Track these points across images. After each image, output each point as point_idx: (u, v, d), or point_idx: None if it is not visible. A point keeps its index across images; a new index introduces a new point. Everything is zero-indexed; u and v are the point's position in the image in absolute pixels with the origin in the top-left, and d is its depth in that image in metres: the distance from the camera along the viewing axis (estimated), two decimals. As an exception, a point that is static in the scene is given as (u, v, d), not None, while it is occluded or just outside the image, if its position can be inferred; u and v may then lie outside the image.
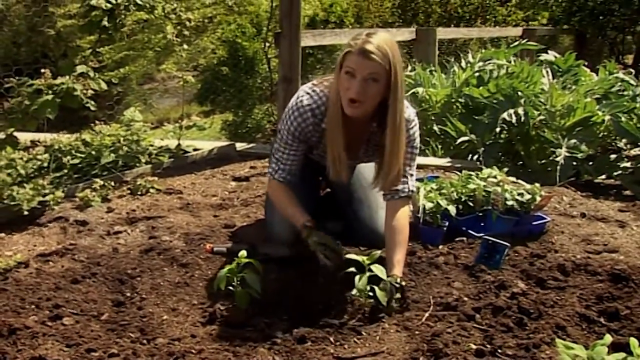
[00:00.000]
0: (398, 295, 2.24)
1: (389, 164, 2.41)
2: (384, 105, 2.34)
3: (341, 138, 2.39)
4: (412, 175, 2.57)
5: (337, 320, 2.15)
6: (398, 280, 2.26)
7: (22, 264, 2.60)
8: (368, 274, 2.19)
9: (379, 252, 2.31)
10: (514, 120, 4.14)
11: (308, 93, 2.49)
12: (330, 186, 2.95)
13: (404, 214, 2.52)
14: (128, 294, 2.37)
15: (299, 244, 2.60)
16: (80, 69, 3.59)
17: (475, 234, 2.79)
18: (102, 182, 3.50)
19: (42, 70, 3.57)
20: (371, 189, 2.66)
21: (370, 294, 2.19)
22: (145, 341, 2.04)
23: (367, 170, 2.87)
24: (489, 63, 4.94)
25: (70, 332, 2.05)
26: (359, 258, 2.23)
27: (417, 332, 2.08)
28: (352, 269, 2.24)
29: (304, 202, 2.63)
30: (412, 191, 2.59)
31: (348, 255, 2.29)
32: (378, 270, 2.16)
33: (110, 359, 1.91)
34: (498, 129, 4.21)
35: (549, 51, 5.66)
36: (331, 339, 2.04)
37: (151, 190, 3.58)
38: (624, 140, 4.24)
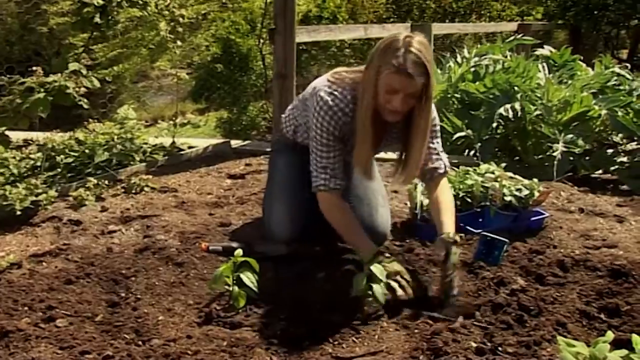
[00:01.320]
0: (456, 250, 2.27)
1: (414, 159, 2.40)
2: None
3: (371, 139, 2.38)
4: (441, 151, 2.60)
5: (335, 319, 2.12)
6: (451, 235, 2.31)
7: (14, 265, 2.56)
8: (367, 272, 2.16)
9: (376, 249, 2.29)
10: (510, 115, 4.12)
11: (331, 94, 2.43)
12: None
13: (446, 187, 2.57)
14: (123, 295, 2.33)
15: (296, 242, 2.57)
16: (73, 66, 3.54)
17: (474, 230, 2.76)
18: (95, 181, 3.46)
19: (34, 68, 3.52)
20: (365, 179, 2.67)
21: (369, 292, 2.16)
22: (140, 342, 2.01)
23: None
24: (485, 58, 4.92)
25: (63, 334, 2.02)
26: (358, 257, 2.20)
27: (416, 331, 2.06)
28: (351, 267, 2.21)
29: (306, 202, 2.61)
30: (447, 166, 2.60)
31: (347, 256, 2.26)
32: (377, 270, 2.13)
33: (105, 361, 1.88)
34: (494, 124, 4.19)
35: (545, 46, 5.65)
36: (329, 338, 2.02)
37: (145, 189, 3.55)
38: (620, 135, 4.23)
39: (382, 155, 3.05)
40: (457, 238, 2.32)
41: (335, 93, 2.43)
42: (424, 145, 2.40)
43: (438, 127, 2.61)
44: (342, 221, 2.48)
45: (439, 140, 2.61)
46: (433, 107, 2.48)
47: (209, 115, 8.92)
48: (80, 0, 3.73)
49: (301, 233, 2.62)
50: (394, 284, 2.22)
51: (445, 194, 2.54)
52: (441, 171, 2.56)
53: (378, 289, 2.12)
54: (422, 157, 2.42)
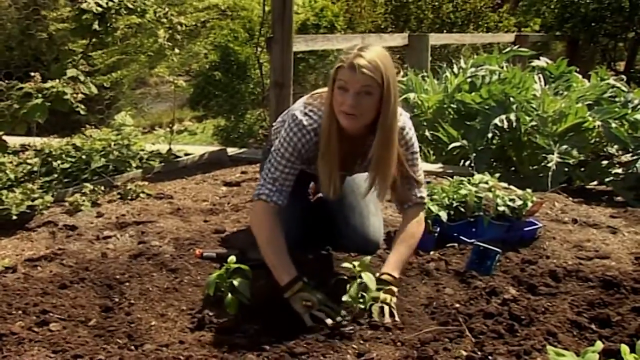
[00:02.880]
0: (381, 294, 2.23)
1: (382, 174, 2.37)
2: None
3: (336, 155, 2.36)
4: (419, 181, 2.52)
5: (326, 326, 2.13)
6: (383, 276, 2.30)
7: (9, 269, 2.58)
8: (359, 281, 2.17)
9: (369, 258, 2.30)
10: (505, 126, 4.15)
11: (307, 114, 2.43)
12: (321, 192, 2.93)
13: (413, 221, 2.50)
14: (116, 300, 2.34)
15: (289, 249, 2.58)
16: (71, 72, 3.57)
17: (467, 240, 2.78)
18: (92, 187, 3.48)
19: (32, 74, 3.54)
20: (362, 198, 2.63)
21: (361, 300, 2.17)
22: (133, 347, 2.02)
23: (359, 177, 2.86)
24: (481, 69, 4.95)
25: (57, 338, 2.03)
26: (350, 265, 2.21)
27: (407, 339, 2.06)
28: (343, 276, 2.22)
29: (295, 210, 2.62)
30: (422, 197, 2.54)
31: (339, 263, 2.27)
32: (368, 278, 2.14)
33: (97, 366, 1.89)
34: (490, 135, 4.21)
35: (541, 57, 5.68)
36: (321, 345, 2.02)
37: (141, 195, 3.56)
38: (615, 147, 4.25)
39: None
40: (384, 277, 2.31)
41: (310, 114, 2.42)
42: (391, 160, 2.35)
43: (417, 156, 2.54)
44: (269, 238, 2.37)
45: (418, 168, 2.54)
46: (412, 132, 2.48)
47: (206, 122, 8.95)
48: (79, 7, 3.75)
49: (293, 240, 2.62)
50: (320, 315, 2.20)
51: (410, 228, 2.49)
52: (413, 202, 2.52)
53: (369, 297, 2.14)
54: (391, 172, 2.38)
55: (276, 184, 2.41)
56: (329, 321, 2.16)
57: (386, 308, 2.22)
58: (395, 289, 2.31)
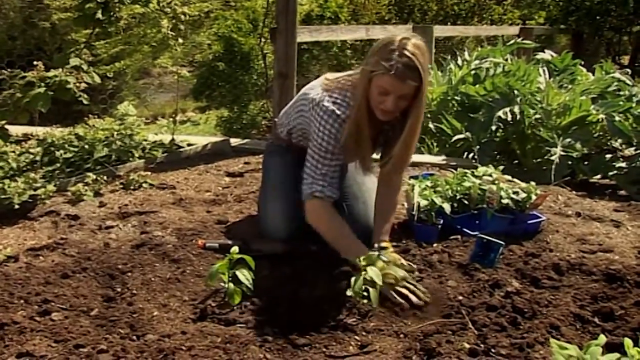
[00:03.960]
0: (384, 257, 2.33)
1: (402, 156, 2.51)
2: None
3: (369, 140, 2.45)
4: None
5: (330, 318, 2.13)
6: (376, 247, 2.43)
7: (11, 258, 2.57)
8: (364, 274, 2.16)
9: (375, 254, 2.29)
10: (509, 119, 4.13)
11: (336, 103, 2.46)
12: None
13: (398, 189, 2.69)
14: (118, 290, 2.34)
15: (292, 240, 2.58)
16: (73, 62, 3.55)
17: (470, 232, 2.77)
18: (94, 177, 3.47)
19: (35, 63, 3.53)
20: (359, 177, 2.75)
21: (365, 294, 2.17)
22: (135, 337, 2.02)
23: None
24: (486, 61, 4.93)
25: (59, 327, 2.03)
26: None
27: (410, 331, 2.06)
28: (347, 268, 2.22)
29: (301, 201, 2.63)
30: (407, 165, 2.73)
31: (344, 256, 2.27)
32: (373, 273, 2.14)
33: (99, 355, 1.88)
34: (494, 127, 4.20)
35: (546, 50, 5.66)
36: (323, 337, 2.02)
37: (144, 185, 3.55)
38: (619, 140, 4.24)
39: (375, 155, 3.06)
40: (384, 244, 2.45)
41: (339, 102, 2.46)
42: (413, 142, 2.49)
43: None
44: (335, 228, 2.46)
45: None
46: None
47: (209, 113, 8.93)
48: (83, -5, 3.74)
49: (296, 231, 2.63)
50: (405, 291, 2.22)
51: (395, 200, 2.66)
52: (402, 168, 2.67)
53: (374, 292, 2.13)
54: (411, 154, 2.53)
55: (326, 179, 2.46)
56: (414, 299, 2.20)
57: (411, 288, 2.25)
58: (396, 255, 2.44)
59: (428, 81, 2.37)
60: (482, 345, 1.92)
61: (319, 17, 8.12)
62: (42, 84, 3.39)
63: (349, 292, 2.17)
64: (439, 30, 7.78)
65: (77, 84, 3.49)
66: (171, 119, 4.57)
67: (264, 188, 2.89)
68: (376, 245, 2.48)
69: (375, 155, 2.74)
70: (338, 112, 2.43)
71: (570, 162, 3.91)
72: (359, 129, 2.40)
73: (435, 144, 4.61)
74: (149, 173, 3.68)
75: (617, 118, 4.01)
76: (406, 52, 2.23)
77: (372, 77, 2.29)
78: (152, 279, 2.41)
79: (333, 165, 2.47)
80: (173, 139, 4.32)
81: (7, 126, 3.48)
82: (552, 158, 3.87)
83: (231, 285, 2.22)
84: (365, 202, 2.75)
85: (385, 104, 2.30)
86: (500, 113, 4.11)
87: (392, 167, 2.59)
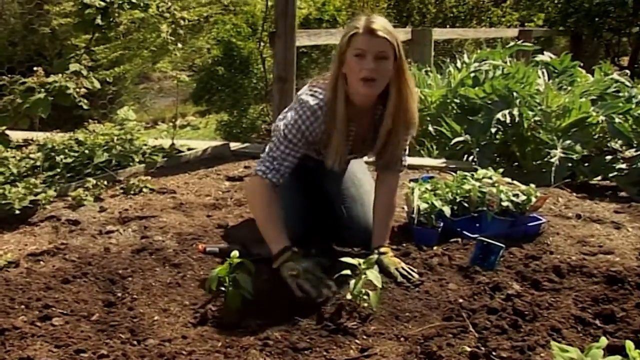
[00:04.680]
0: (385, 258, 2.47)
1: (389, 142, 2.51)
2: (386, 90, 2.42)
3: (344, 128, 2.43)
4: (405, 150, 2.69)
5: (330, 322, 2.13)
6: (375, 252, 2.46)
7: (12, 264, 2.58)
8: (363, 277, 2.16)
9: (375, 257, 2.29)
10: (508, 121, 4.13)
11: (312, 95, 2.48)
12: (322, 185, 2.92)
13: (394, 190, 2.68)
14: (119, 294, 2.34)
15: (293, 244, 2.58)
16: (73, 67, 3.56)
17: (470, 235, 2.77)
18: (94, 182, 3.47)
19: (35, 69, 3.53)
20: (357, 180, 2.76)
21: (365, 297, 2.17)
22: (135, 342, 2.02)
23: (359, 167, 2.89)
24: (485, 63, 4.94)
25: (59, 332, 2.03)
26: (355, 262, 2.20)
27: (410, 334, 2.06)
28: (347, 272, 2.22)
29: (297, 204, 2.68)
30: (405, 166, 2.71)
31: (343, 259, 2.27)
32: (373, 276, 2.14)
33: (100, 360, 1.89)
34: (493, 130, 4.20)
35: (545, 52, 5.66)
36: (324, 340, 2.02)
37: (144, 190, 3.55)
38: (619, 142, 4.24)
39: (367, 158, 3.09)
40: (383, 250, 2.51)
41: (315, 94, 2.48)
42: (400, 127, 2.48)
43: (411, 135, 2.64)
44: (264, 212, 2.47)
45: (408, 140, 2.67)
46: (415, 108, 2.53)
47: (209, 117, 8.95)
48: (82, 1, 3.74)
49: (297, 235, 2.63)
50: (404, 272, 2.41)
51: (393, 202, 2.67)
52: (396, 169, 2.67)
53: (374, 295, 2.14)
54: (399, 142, 2.53)
55: (274, 163, 2.49)
56: (311, 291, 2.24)
57: (403, 271, 2.41)
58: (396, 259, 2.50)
59: (404, 57, 2.40)
60: (482, 349, 1.92)
61: (317, 20, 8.15)
62: (42, 90, 3.40)
63: (349, 296, 2.18)
64: (438, 33, 7.79)
65: (77, 90, 3.49)
66: (171, 124, 4.56)
67: None
68: (375, 250, 2.50)
69: (367, 158, 2.76)
70: (311, 102, 2.45)
71: (570, 164, 3.91)
72: (334, 113, 2.40)
73: (434, 147, 4.62)
74: (149, 178, 3.68)
75: (616, 119, 4.01)
76: (373, 17, 2.33)
77: (344, 52, 2.34)
78: (153, 283, 2.41)
79: (286, 153, 2.48)
80: (173, 144, 4.32)
81: (7, 132, 3.48)
82: (552, 160, 3.87)
83: (231, 289, 2.22)
84: (363, 204, 2.75)
85: (366, 67, 2.29)
86: (499, 115, 4.11)
87: (385, 165, 2.62)
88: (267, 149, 2.53)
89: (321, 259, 2.50)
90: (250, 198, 2.58)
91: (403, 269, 2.44)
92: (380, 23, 2.31)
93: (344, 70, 2.37)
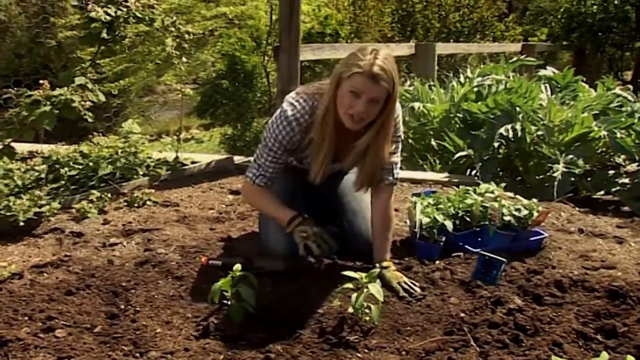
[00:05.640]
0: (387, 273, 2.50)
1: (372, 164, 2.54)
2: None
3: (332, 145, 2.49)
4: (397, 163, 2.70)
5: (332, 335, 2.13)
6: (377, 266, 2.48)
7: (16, 275, 2.59)
8: (365, 291, 2.17)
9: (377, 270, 2.30)
10: (510, 135, 4.14)
11: (292, 104, 2.54)
12: (322, 198, 2.94)
13: (390, 204, 2.70)
14: (122, 307, 2.35)
15: (293, 257, 2.59)
16: (79, 80, 3.59)
17: (472, 250, 2.77)
18: (99, 194, 3.49)
19: (41, 82, 3.57)
20: (359, 193, 2.77)
21: (367, 311, 2.17)
22: (138, 354, 2.02)
23: None
24: (488, 78, 4.95)
25: (62, 344, 2.03)
26: (357, 275, 2.21)
27: (412, 348, 2.06)
28: (349, 285, 2.23)
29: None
30: (397, 179, 2.71)
31: (345, 272, 2.28)
32: (374, 289, 2.15)
33: (103, 373, 1.89)
34: (496, 144, 4.21)
35: (548, 67, 5.68)
36: (325, 354, 2.03)
37: (148, 203, 3.57)
38: (622, 156, 4.24)
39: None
40: (385, 264, 2.54)
41: (295, 104, 2.53)
42: (378, 158, 2.51)
43: (400, 140, 2.70)
44: (261, 200, 2.68)
45: (399, 152, 2.71)
46: (400, 118, 2.62)
47: (213, 130, 8.97)
48: (88, 15, 3.78)
49: (296, 248, 2.64)
50: (406, 287, 2.44)
51: (389, 214, 2.69)
52: (388, 182, 2.67)
53: (375, 309, 2.14)
54: (382, 162, 2.54)
55: (260, 170, 2.62)
56: (314, 249, 2.47)
57: (405, 285, 2.44)
58: (398, 273, 2.53)
59: (398, 94, 2.44)
60: (484, 363, 1.93)
61: (320, 34, 8.19)
62: (48, 103, 3.43)
63: (350, 309, 2.18)
64: (442, 48, 7.83)
65: (83, 103, 3.52)
66: (175, 137, 4.59)
67: None
68: (377, 264, 2.51)
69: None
70: (289, 112, 2.51)
71: (572, 179, 3.91)
72: (323, 132, 2.45)
73: (437, 161, 4.63)
74: (153, 191, 3.70)
75: (619, 134, 4.02)
76: (379, 56, 2.31)
77: (342, 80, 2.34)
78: (156, 296, 2.42)
79: (269, 161, 2.59)
80: (177, 157, 4.34)
81: (13, 144, 3.51)
82: (555, 175, 3.88)
83: (234, 302, 2.23)
84: (364, 217, 2.77)
85: (356, 108, 2.32)
86: (502, 130, 4.12)
87: (366, 178, 2.62)
88: (254, 156, 2.65)
89: (332, 226, 2.68)
90: (248, 199, 2.80)
91: (405, 283, 2.46)
92: (384, 66, 2.29)
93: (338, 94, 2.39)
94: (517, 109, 4.31)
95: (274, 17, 6.46)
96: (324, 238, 2.52)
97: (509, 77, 5.04)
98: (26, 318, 2.21)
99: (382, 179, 2.64)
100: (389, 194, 2.69)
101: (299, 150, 2.62)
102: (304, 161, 2.67)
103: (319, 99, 2.49)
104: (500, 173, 4.29)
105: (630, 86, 5.59)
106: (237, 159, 4.73)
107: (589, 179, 4.07)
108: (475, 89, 4.87)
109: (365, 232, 2.72)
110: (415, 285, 2.46)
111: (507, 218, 2.83)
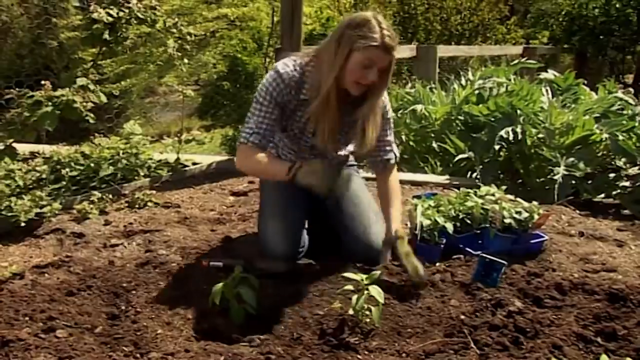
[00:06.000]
0: (401, 242, 2.56)
1: (367, 135, 2.61)
2: None
3: (335, 113, 2.55)
4: (394, 142, 2.85)
5: (332, 337, 2.13)
6: (394, 233, 2.60)
7: (17, 275, 2.59)
8: (366, 293, 2.17)
9: (378, 272, 2.30)
10: (511, 138, 4.14)
11: (284, 63, 2.61)
12: (321, 205, 2.94)
13: (394, 178, 2.83)
14: (123, 307, 2.35)
15: (293, 259, 2.60)
16: (80, 81, 3.60)
17: (473, 252, 2.78)
18: (100, 195, 3.50)
19: (43, 82, 3.57)
20: (355, 197, 2.82)
21: (367, 313, 2.18)
22: (138, 355, 2.02)
23: (357, 186, 2.90)
24: (489, 81, 4.95)
25: (63, 345, 2.04)
26: (357, 277, 2.22)
27: (412, 350, 2.06)
28: (350, 287, 2.23)
29: (299, 220, 2.73)
30: (397, 156, 2.86)
31: (345, 274, 2.28)
32: (375, 291, 2.15)
33: (103, 373, 1.90)
34: (497, 147, 4.21)
35: (549, 70, 5.68)
36: (326, 355, 2.03)
37: (149, 204, 3.57)
38: (623, 159, 4.24)
39: (370, 174, 3.13)
40: (400, 233, 2.61)
41: (288, 62, 2.62)
42: (377, 121, 2.62)
43: (391, 119, 2.82)
44: (256, 160, 2.60)
45: (392, 132, 2.84)
46: (387, 97, 2.73)
47: (214, 132, 8.97)
48: (90, 16, 3.79)
49: (295, 250, 2.65)
50: (414, 265, 2.48)
51: (393, 183, 2.81)
52: (392, 162, 2.83)
53: (376, 310, 2.14)
54: (376, 131, 2.63)
55: (254, 128, 2.61)
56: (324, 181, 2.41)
57: (412, 264, 2.48)
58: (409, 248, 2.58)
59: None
60: (484, 365, 1.93)
61: (322, 35, 8.19)
62: (50, 103, 3.43)
63: (351, 311, 2.18)
64: (443, 50, 7.83)
65: (84, 104, 3.52)
66: (176, 138, 4.60)
67: (263, 208, 2.91)
68: (393, 234, 2.63)
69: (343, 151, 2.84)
70: (280, 68, 2.58)
71: (573, 182, 3.92)
72: (327, 101, 2.51)
73: (438, 164, 4.63)
74: (154, 192, 3.71)
75: (620, 137, 4.03)
76: (384, 26, 2.43)
77: (354, 51, 2.41)
78: (156, 297, 2.42)
79: (262, 116, 2.59)
80: (178, 158, 4.35)
81: (14, 144, 3.52)
82: (556, 177, 3.88)
83: (235, 303, 2.23)
84: (362, 222, 2.76)
85: (370, 77, 2.43)
86: (502, 132, 4.12)
87: (374, 159, 2.80)
88: (247, 117, 2.66)
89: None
90: (243, 163, 2.69)
91: (413, 262, 2.49)
92: (391, 35, 2.43)
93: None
94: (518, 111, 4.32)
95: (275, 19, 6.47)
96: (328, 171, 2.46)
97: (510, 79, 5.04)
98: (27, 318, 2.21)
99: (385, 160, 2.80)
100: (392, 171, 2.83)
101: (291, 111, 2.65)
102: (305, 132, 2.71)
103: (310, 64, 2.59)
104: (501, 175, 4.29)
105: (632, 89, 5.59)
106: (238, 160, 4.73)
107: (589, 181, 4.07)
108: (477, 92, 4.87)
109: (364, 236, 2.72)
110: (420, 267, 2.48)
111: (507, 221, 2.83)
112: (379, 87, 2.55)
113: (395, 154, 2.84)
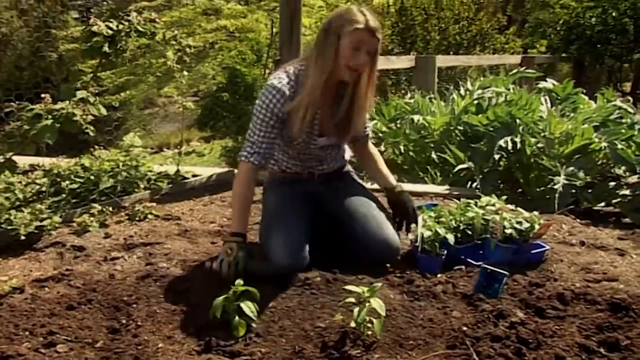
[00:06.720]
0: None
1: (359, 117, 2.81)
2: None
3: (330, 102, 2.76)
4: (367, 119, 3.04)
5: (334, 350, 2.12)
6: (397, 188, 2.96)
7: (17, 290, 2.58)
8: (367, 305, 2.17)
9: (379, 285, 2.30)
10: (510, 148, 4.15)
11: (277, 77, 2.69)
12: (328, 210, 2.95)
13: (372, 146, 3.12)
14: (123, 321, 2.34)
15: (298, 271, 2.60)
16: (80, 94, 3.61)
17: (474, 263, 2.77)
18: (100, 208, 3.49)
19: (42, 95, 3.58)
20: (369, 204, 2.91)
21: (369, 325, 2.17)
22: (139, 370, 2.02)
23: (363, 193, 2.92)
24: (488, 90, 4.97)
25: (63, 359, 2.03)
26: (359, 289, 2.21)
27: (414, 362, 2.06)
28: (352, 299, 2.22)
29: (302, 231, 2.72)
30: (370, 134, 3.09)
31: (347, 287, 2.28)
32: (377, 304, 2.15)
33: (104, 388, 1.89)
34: (497, 157, 4.21)
35: (548, 79, 5.69)
36: (328, 368, 2.02)
37: (149, 216, 3.57)
38: (622, 168, 4.24)
39: (376, 186, 3.22)
40: (397, 190, 2.96)
41: (281, 75, 2.69)
42: (369, 104, 2.82)
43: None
44: (240, 193, 2.74)
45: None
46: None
47: (214, 143, 8.98)
48: (90, 29, 3.80)
49: (302, 261, 2.64)
50: (222, 260, 2.59)
51: (374, 150, 3.11)
52: (370, 135, 3.09)
53: (378, 323, 2.14)
54: (365, 115, 2.89)
55: (254, 147, 2.71)
56: (214, 267, 2.59)
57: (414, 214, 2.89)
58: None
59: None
60: (487, 377, 1.92)
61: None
62: (50, 116, 3.44)
63: (353, 324, 2.18)
64: (442, 60, 7.85)
65: (84, 116, 3.53)
66: (176, 150, 4.60)
67: (265, 220, 2.92)
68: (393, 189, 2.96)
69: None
70: (276, 83, 2.65)
71: (573, 191, 3.91)
72: (314, 89, 2.62)
73: (438, 174, 4.63)
74: (154, 204, 3.71)
75: (619, 146, 4.03)
76: (367, 13, 2.62)
77: (343, 34, 2.57)
78: (157, 310, 2.41)
79: (263, 135, 2.69)
80: (178, 170, 4.35)
81: (14, 157, 3.52)
82: (556, 187, 3.88)
83: (236, 317, 2.22)
84: (377, 222, 2.82)
85: (359, 59, 2.60)
86: (501, 142, 4.13)
87: (355, 140, 3.02)
88: (247, 135, 2.73)
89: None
90: (235, 185, 2.79)
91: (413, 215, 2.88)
92: (375, 20, 2.63)
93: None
94: (518, 121, 4.32)
95: (274, 30, 6.49)
96: (239, 264, 2.56)
97: (509, 89, 5.06)
98: (27, 333, 2.20)
99: (366, 136, 3.04)
100: (368, 145, 3.08)
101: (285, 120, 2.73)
102: (312, 135, 2.81)
103: (302, 69, 2.71)
104: (501, 185, 4.30)
105: (630, 98, 5.60)
106: (238, 172, 4.72)
107: (589, 190, 4.07)
108: (476, 102, 4.88)
109: (379, 230, 2.79)
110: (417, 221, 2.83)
111: (508, 231, 2.83)
112: (369, 72, 2.71)
113: (369, 129, 3.07)
